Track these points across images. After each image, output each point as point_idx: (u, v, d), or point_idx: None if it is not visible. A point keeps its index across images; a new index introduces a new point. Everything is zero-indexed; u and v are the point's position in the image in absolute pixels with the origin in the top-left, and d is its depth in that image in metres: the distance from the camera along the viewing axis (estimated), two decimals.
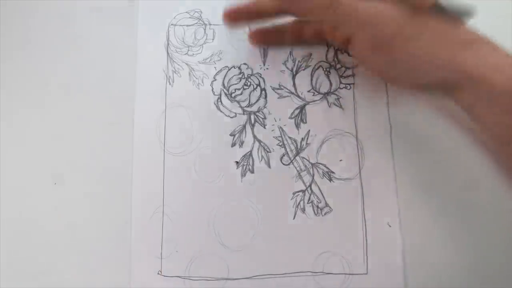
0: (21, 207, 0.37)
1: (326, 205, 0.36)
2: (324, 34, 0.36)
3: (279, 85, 0.39)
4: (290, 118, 0.38)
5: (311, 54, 0.39)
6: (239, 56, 0.39)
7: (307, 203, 0.36)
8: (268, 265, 0.35)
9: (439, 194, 0.36)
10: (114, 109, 0.39)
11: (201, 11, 0.40)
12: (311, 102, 0.38)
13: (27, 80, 0.40)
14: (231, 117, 0.38)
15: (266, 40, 0.39)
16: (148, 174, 0.37)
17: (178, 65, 0.39)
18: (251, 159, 0.37)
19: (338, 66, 0.39)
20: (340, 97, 0.38)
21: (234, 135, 0.38)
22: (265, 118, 0.38)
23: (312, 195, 0.37)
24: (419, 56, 0.32)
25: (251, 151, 0.37)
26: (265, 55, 0.39)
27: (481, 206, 0.36)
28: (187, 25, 0.40)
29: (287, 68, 0.39)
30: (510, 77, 0.30)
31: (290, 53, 0.39)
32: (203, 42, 0.40)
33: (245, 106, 0.38)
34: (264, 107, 0.38)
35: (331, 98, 0.38)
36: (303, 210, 0.36)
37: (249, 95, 0.39)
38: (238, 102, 0.38)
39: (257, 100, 0.38)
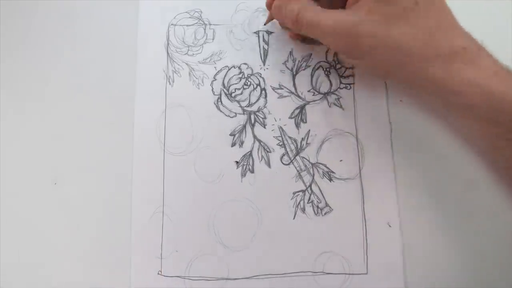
0: (21, 207, 0.37)
1: (326, 205, 0.36)
2: None
3: (279, 85, 0.39)
4: (290, 118, 0.38)
5: (311, 54, 0.39)
6: (239, 56, 0.39)
7: (307, 203, 0.36)
8: (268, 265, 0.35)
9: (439, 194, 0.36)
10: (114, 109, 0.39)
11: (201, 11, 0.40)
12: (311, 102, 0.38)
13: (27, 80, 0.40)
14: (231, 117, 0.38)
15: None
16: (148, 174, 0.37)
17: (178, 65, 0.39)
18: (251, 159, 0.37)
19: (338, 66, 0.39)
20: (340, 97, 0.38)
21: (234, 135, 0.38)
22: (265, 118, 0.38)
23: (312, 195, 0.37)
24: (388, 65, 0.31)
25: (251, 151, 0.37)
26: (265, 55, 0.39)
27: (481, 206, 0.36)
28: (187, 25, 0.40)
29: (287, 68, 0.39)
30: (482, 91, 0.29)
31: (290, 53, 0.39)
32: (203, 42, 0.40)
33: (245, 106, 0.38)
34: (264, 107, 0.38)
35: (331, 98, 0.38)
36: (303, 210, 0.36)
37: (249, 95, 0.38)
38: (238, 102, 0.38)
39: (257, 100, 0.38)
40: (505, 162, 0.33)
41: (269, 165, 0.37)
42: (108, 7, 0.41)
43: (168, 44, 0.40)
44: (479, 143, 0.35)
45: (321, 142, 0.37)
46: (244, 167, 0.37)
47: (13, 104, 0.39)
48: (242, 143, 0.38)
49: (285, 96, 0.38)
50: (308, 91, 0.38)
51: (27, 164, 0.38)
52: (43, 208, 0.37)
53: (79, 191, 0.37)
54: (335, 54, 0.39)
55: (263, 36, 0.39)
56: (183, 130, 0.38)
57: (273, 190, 0.37)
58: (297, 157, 0.37)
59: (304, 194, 0.37)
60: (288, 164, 0.37)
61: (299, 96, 0.38)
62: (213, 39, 0.40)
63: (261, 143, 0.38)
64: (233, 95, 0.38)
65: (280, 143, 0.38)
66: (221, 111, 0.38)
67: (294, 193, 0.37)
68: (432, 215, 0.36)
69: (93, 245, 0.36)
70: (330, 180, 0.37)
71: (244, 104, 0.38)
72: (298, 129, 0.38)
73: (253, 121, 0.38)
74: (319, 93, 0.38)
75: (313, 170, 0.37)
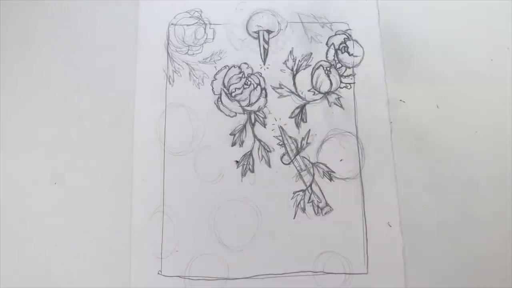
0: (21, 207, 0.37)
1: (327, 204, 0.36)
2: None
3: (280, 85, 0.39)
4: (291, 117, 0.38)
5: (311, 54, 0.39)
6: (239, 56, 0.39)
7: (308, 202, 0.36)
8: (268, 265, 0.35)
9: (439, 194, 0.36)
10: (114, 109, 0.39)
11: (201, 11, 0.40)
12: (311, 101, 0.38)
13: (27, 80, 0.40)
14: (231, 117, 0.38)
15: None
16: (148, 174, 0.37)
17: (178, 64, 0.39)
18: (251, 159, 0.37)
19: (339, 65, 0.39)
20: (341, 96, 0.38)
21: (234, 135, 0.38)
22: (265, 117, 0.38)
23: (312, 195, 0.37)
24: None
25: (251, 151, 0.37)
26: (265, 55, 0.39)
27: (481, 206, 0.36)
28: (187, 25, 0.40)
29: (288, 67, 0.39)
30: None
31: (291, 53, 0.39)
32: (203, 41, 0.40)
33: (245, 106, 0.38)
34: (264, 106, 0.38)
35: (332, 98, 0.38)
36: (304, 209, 0.36)
37: (249, 95, 0.38)
38: (238, 101, 0.38)
39: (257, 100, 0.38)
40: None
41: (269, 164, 0.37)
42: (108, 7, 0.41)
43: (168, 43, 0.40)
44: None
45: (321, 141, 0.37)
46: (244, 166, 0.37)
47: (13, 104, 0.39)
48: (242, 142, 0.38)
49: (285, 96, 0.38)
50: (309, 90, 0.38)
51: (27, 164, 0.38)
52: (43, 208, 0.37)
53: (79, 191, 0.37)
54: (336, 53, 0.39)
55: (263, 36, 0.39)
56: (183, 130, 0.38)
57: (273, 189, 0.37)
58: (297, 157, 0.37)
59: (304, 194, 0.37)
60: (288, 163, 0.37)
61: (299, 96, 0.38)
62: (213, 38, 0.40)
63: (261, 143, 0.38)
64: (233, 94, 0.38)
65: (280, 143, 0.38)
66: (221, 110, 0.38)
67: (294, 192, 0.37)
68: (432, 215, 0.36)
69: (93, 245, 0.36)
70: (331, 179, 0.37)
71: (244, 103, 0.38)
72: (298, 129, 0.38)
73: (253, 121, 0.38)
74: (320, 92, 0.38)
75: (313, 169, 0.37)
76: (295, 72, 0.39)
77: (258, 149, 0.37)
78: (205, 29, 0.40)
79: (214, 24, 0.40)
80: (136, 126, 0.38)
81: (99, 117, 0.39)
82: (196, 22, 0.40)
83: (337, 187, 0.37)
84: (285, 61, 0.39)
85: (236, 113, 0.38)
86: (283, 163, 0.37)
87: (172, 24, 0.40)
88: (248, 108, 0.38)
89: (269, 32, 0.39)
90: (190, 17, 0.40)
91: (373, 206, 0.36)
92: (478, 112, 0.38)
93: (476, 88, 0.38)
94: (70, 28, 0.41)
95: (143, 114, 0.38)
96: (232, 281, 0.35)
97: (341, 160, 0.37)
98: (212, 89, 0.39)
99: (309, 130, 0.38)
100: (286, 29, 0.40)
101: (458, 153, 0.37)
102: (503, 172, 0.37)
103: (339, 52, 0.39)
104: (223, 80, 0.39)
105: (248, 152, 0.37)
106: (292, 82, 0.39)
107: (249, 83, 0.39)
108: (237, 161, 0.37)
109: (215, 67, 0.39)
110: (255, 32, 0.40)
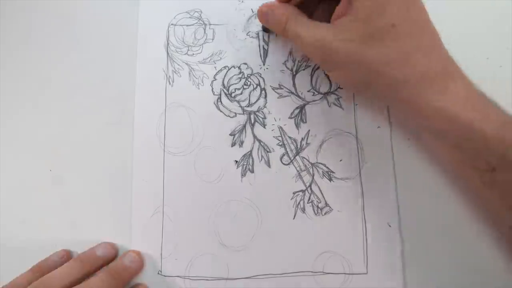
0: (21, 207, 0.37)
1: (326, 205, 0.36)
2: None
3: (279, 85, 0.39)
4: (290, 117, 0.38)
5: None
6: (239, 56, 0.39)
7: (307, 203, 0.36)
8: (268, 265, 0.35)
9: (439, 194, 0.36)
10: (114, 109, 0.39)
11: (201, 11, 0.40)
12: (311, 102, 0.38)
13: (27, 80, 0.40)
14: (231, 117, 0.38)
15: None
16: (148, 174, 0.37)
17: (178, 65, 0.39)
18: (251, 159, 0.37)
19: None
20: (340, 97, 0.38)
21: (234, 135, 0.38)
22: (265, 117, 0.38)
23: (312, 195, 0.37)
24: (358, 82, 0.32)
25: (251, 151, 0.37)
26: (265, 55, 0.39)
27: (481, 206, 0.36)
28: (187, 25, 0.40)
29: (287, 67, 0.39)
30: (451, 119, 0.29)
31: (290, 53, 0.39)
32: (203, 42, 0.40)
33: (245, 106, 0.38)
34: (264, 106, 0.38)
35: (331, 98, 0.38)
36: (303, 210, 0.36)
37: (249, 95, 0.38)
38: (238, 102, 0.38)
39: (257, 100, 0.38)
40: (473, 190, 0.34)
41: (269, 165, 0.37)
42: (108, 7, 0.41)
43: (168, 44, 0.40)
44: (448, 167, 0.36)
45: (321, 142, 0.37)
46: (244, 167, 0.37)
47: (13, 104, 0.39)
48: (242, 143, 0.38)
49: (285, 96, 0.38)
50: (308, 91, 0.38)
51: (27, 164, 0.38)
52: (43, 207, 0.37)
53: (79, 191, 0.37)
54: None
55: (263, 36, 0.39)
56: (183, 130, 0.38)
57: (273, 190, 0.37)
58: (297, 157, 0.37)
59: (304, 194, 0.37)
60: (288, 164, 0.37)
61: (299, 96, 0.38)
62: (213, 39, 0.40)
63: (261, 143, 0.38)
64: (233, 95, 0.38)
65: (280, 143, 0.38)
66: (221, 111, 0.38)
67: (294, 193, 0.37)
68: (432, 215, 0.36)
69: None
70: (330, 180, 0.37)
71: (244, 104, 0.38)
72: (298, 129, 0.38)
73: (253, 121, 0.38)
74: (319, 93, 0.38)
75: (313, 170, 0.37)
76: (294, 73, 0.39)
77: (258, 149, 0.37)
78: (205, 29, 0.40)
79: (214, 24, 0.40)
80: (136, 126, 0.38)
81: (99, 117, 0.39)
82: (196, 23, 0.40)
83: (337, 187, 0.37)
84: (285, 61, 0.39)
85: (235, 113, 0.38)
86: (283, 164, 0.37)
87: (172, 24, 0.40)
88: (248, 109, 0.38)
89: (269, 32, 0.39)
90: (190, 17, 0.40)
91: (373, 206, 0.36)
92: None
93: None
94: (70, 28, 0.41)
95: (143, 114, 0.38)
96: (232, 281, 0.35)
97: (340, 160, 0.37)
98: (212, 90, 0.39)
99: (309, 130, 0.38)
100: None
101: None
102: None
103: None
104: (223, 80, 0.39)
105: (248, 152, 0.37)
106: (292, 83, 0.39)
107: (248, 83, 0.39)
108: (236, 161, 0.37)
109: (214, 67, 0.39)
110: (255, 32, 0.40)
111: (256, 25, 0.39)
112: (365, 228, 0.36)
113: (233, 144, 0.38)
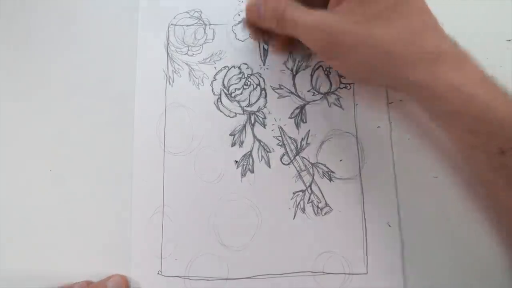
0: (21, 207, 0.37)
1: (326, 205, 0.36)
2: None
3: (279, 85, 0.39)
4: (290, 118, 0.38)
5: (311, 54, 0.39)
6: (239, 56, 0.39)
7: (307, 203, 0.36)
8: (268, 265, 0.35)
9: (439, 194, 0.36)
10: (114, 109, 0.39)
11: (201, 11, 0.40)
12: (311, 102, 0.38)
13: (27, 80, 0.40)
14: (231, 117, 0.38)
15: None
16: (148, 174, 0.37)
17: (178, 65, 0.39)
18: (251, 159, 0.37)
19: None
20: (340, 97, 0.38)
21: (234, 135, 0.38)
22: (265, 118, 0.38)
23: (312, 195, 0.37)
24: (368, 67, 0.30)
25: (251, 151, 0.37)
26: (265, 55, 0.39)
27: (481, 206, 0.36)
28: (187, 25, 0.40)
29: (287, 68, 0.39)
30: (467, 98, 0.27)
31: (290, 53, 0.39)
32: (203, 42, 0.40)
33: (245, 106, 0.38)
34: (264, 107, 0.38)
35: (331, 98, 0.38)
36: (303, 210, 0.36)
37: (249, 95, 0.38)
38: (238, 102, 0.38)
39: (257, 100, 0.38)
40: (480, 177, 0.32)
41: (269, 165, 0.37)
42: (108, 7, 0.41)
43: (168, 44, 0.40)
44: (456, 155, 0.34)
45: (321, 142, 0.37)
46: (244, 167, 0.37)
47: (13, 104, 0.39)
48: (242, 143, 0.38)
49: (285, 96, 0.38)
50: (308, 91, 0.38)
51: (27, 164, 0.38)
52: (43, 207, 0.37)
53: (79, 191, 0.37)
54: None
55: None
56: (183, 130, 0.38)
57: (273, 190, 0.37)
58: (297, 157, 0.37)
59: (304, 194, 0.37)
60: (288, 164, 0.37)
61: (299, 96, 0.38)
62: (213, 39, 0.40)
63: (261, 143, 0.38)
64: (233, 95, 0.38)
65: (280, 143, 0.38)
66: (221, 111, 0.38)
67: (294, 193, 0.37)
68: (432, 215, 0.36)
69: (93, 245, 0.36)
70: (330, 180, 0.37)
71: (244, 104, 0.38)
72: (298, 129, 0.38)
73: (253, 121, 0.38)
74: (319, 93, 0.38)
75: (313, 170, 0.37)
76: (294, 73, 0.39)
77: (258, 149, 0.37)
78: (205, 29, 0.40)
79: (214, 24, 0.40)
80: (136, 126, 0.38)
81: (99, 117, 0.39)
82: (196, 23, 0.40)
83: (337, 188, 0.37)
84: (285, 61, 0.39)
85: (236, 113, 0.38)
86: (283, 164, 0.37)
87: (172, 24, 0.40)
88: (248, 109, 0.38)
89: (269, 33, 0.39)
90: (190, 17, 0.40)
91: (373, 206, 0.36)
92: None
93: None
94: (70, 28, 0.41)
95: (143, 114, 0.38)
96: (232, 281, 0.35)
97: (340, 161, 0.37)
98: (212, 90, 0.39)
99: (309, 130, 0.38)
100: None
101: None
102: None
103: None
104: (223, 80, 0.39)
105: (248, 152, 0.37)
106: (292, 83, 0.39)
107: (249, 83, 0.39)
108: (236, 161, 0.37)
109: (214, 67, 0.39)
110: None
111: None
112: (365, 228, 0.36)
113: (233, 144, 0.38)
